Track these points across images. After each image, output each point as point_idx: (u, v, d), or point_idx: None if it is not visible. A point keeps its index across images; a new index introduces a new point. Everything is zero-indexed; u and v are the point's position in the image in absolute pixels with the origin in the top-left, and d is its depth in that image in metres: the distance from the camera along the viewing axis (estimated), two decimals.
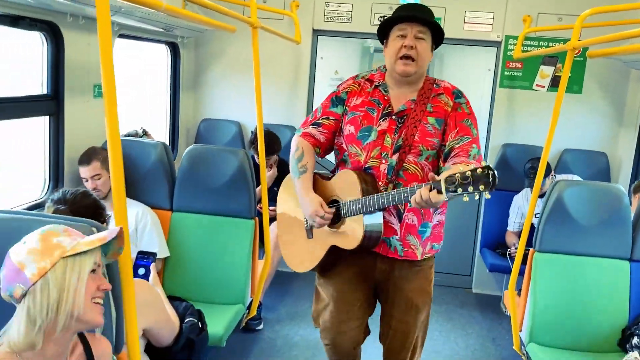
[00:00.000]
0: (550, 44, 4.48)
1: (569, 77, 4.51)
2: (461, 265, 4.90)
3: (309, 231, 2.39)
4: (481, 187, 1.79)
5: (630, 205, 3.17)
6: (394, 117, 2.27)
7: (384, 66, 2.37)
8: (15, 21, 2.63)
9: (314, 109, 2.37)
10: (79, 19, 3.00)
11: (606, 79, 4.53)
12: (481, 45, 4.67)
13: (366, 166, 2.27)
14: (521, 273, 3.15)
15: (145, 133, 3.86)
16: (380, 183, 2.23)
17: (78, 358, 1.49)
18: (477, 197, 1.84)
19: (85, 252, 1.38)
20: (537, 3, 4.48)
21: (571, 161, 4.51)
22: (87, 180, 2.97)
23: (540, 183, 3.05)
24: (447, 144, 2.23)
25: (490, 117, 4.69)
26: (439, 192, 1.86)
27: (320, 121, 2.39)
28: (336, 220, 2.25)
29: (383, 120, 2.28)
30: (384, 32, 2.32)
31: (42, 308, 1.33)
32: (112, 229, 1.47)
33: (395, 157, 2.24)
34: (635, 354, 1.70)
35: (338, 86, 2.43)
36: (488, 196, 1.84)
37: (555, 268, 2.98)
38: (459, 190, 1.81)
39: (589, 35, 3.11)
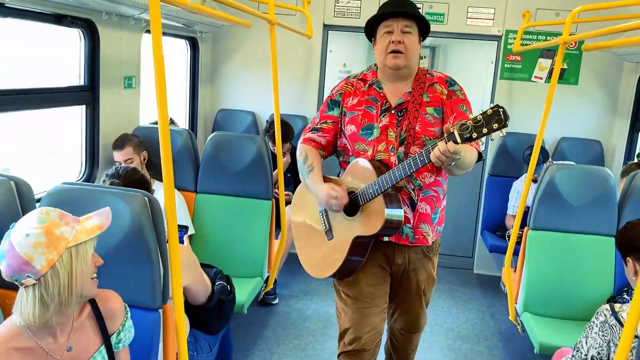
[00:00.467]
0: (548, 37, 4.73)
1: (566, 69, 4.83)
2: (463, 248, 5.18)
3: (329, 232, 2.39)
4: (495, 126, 1.84)
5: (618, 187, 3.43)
6: (393, 112, 2.32)
7: (375, 64, 2.43)
8: (59, 19, 2.92)
9: (323, 101, 2.49)
10: (112, 16, 3.29)
11: (601, 71, 4.78)
12: (483, 39, 4.93)
13: (376, 159, 2.31)
14: (517, 253, 3.44)
15: (172, 121, 4.15)
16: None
17: (87, 317, 1.68)
18: (492, 139, 1.83)
19: (86, 241, 1.54)
20: None
21: (567, 149, 4.77)
22: (120, 164, 3.26)
23: (534, 167, 3.32)
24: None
25: None
26: (455, 142, 1.90)
27: (319, 126, 2.44)
28: (354, 211, 2.28)
29: (383, 116, 2.32)
30: (371, 30, 2.37)
31: (53, 294, 1.50)
32: (106, 214, 1.61)
33: (401, 150, 2.28)
34: (606, 306, 1.96)
35: (332, 89, 2.48)
36: (503, 134, 1.90)
37: (548, 244, 3.26)
38: (474, 135, 1.87)
39: (586, 29, 3.38)
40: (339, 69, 5.18)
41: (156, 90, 1.83)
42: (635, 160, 3.95)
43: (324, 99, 2.48)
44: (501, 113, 1.83)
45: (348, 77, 2.46)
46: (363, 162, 2.27)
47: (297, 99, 5.08)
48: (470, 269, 5.19)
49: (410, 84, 2.34)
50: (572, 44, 4.73)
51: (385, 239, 2.34)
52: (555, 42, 3.27)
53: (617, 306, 1.96)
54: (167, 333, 1.97)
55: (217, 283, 2.45)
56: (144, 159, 3.38)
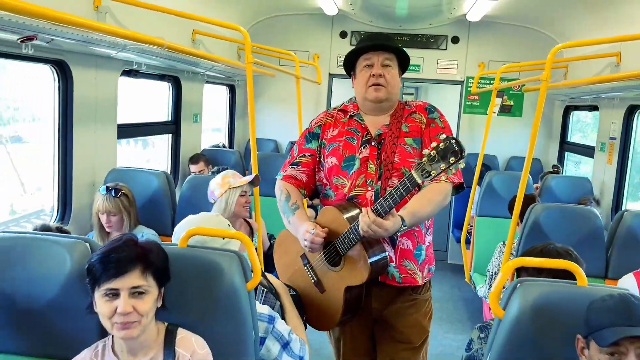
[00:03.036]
0: (500, 82, 6.32)
1: (513, 105, 6.41)
2: (439, 242, 6.66)
3: (319, 284, 2.25)
4: (452, 159, 1.77)
5: (535, 190, 4.89)
6: (373, 143, 2.24)
7: (354, 98, 2.38)
8: (161, 77, 4.47)
9: (301, 134, 2.43)
10: (189, 74, 4.84)
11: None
12: (450, 83, 6.54)
13: (349, 195, 2.22)
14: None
15: (224, 145, 5.68)
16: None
17: (242, 227, 3.28)
18: (452, 172, 1.88)
19: (238, 187, 3.16)
20: (488, 53, 6.35)
21: (515, 165, 6.30)
22: (195, 174, 4.75)
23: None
24: None
25: (457, 135, 6.52)
26: (416, 183, 1.87)
27: (297, 160, 2.34)
28: (338, 261, 2.16)
29: (364, 148, 2.24)
30: (350, 64, 2.31)
31: (223, 206, 3.11)
32: (250, 175, 3.26)
33: (380, 184, 2.20)
34: (500, 243, 3.48)
35: (311, 122, 2.40)
36: (462, 165, 1.80)
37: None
38: (432, 172, 1.81)
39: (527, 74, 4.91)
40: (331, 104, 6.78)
41: (250, 127, 3.34)
42: (551, 169, 5.49)
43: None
44: (454, 145, 1.77)
45: (327, 110, 2.42)
46: (331, 210, 2.18)
47: None
48: (445, 260, 6.66)
49: (389, 117, 2.29)
50: (516, 86, 6.32)
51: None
52: (489, 89, 4.84)
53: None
54: None
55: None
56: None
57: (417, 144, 2.23)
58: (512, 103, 6.43)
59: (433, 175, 1.81)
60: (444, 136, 1.80)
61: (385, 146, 2.22)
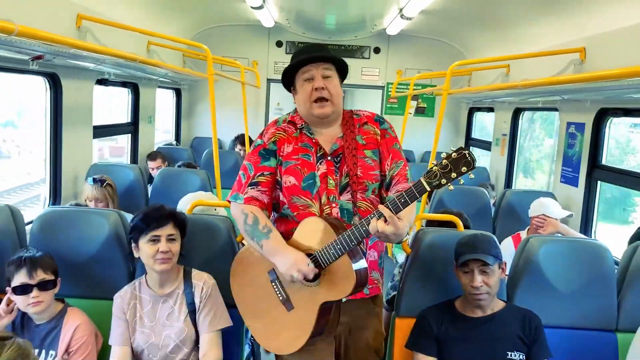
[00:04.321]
0: (415, 87, 7.30)
1: (426, 107, 7.42)
2: None
3: (287, 302, 2.11)
4: (464, 169, 1.76)
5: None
6: (329, 158, 2.18)
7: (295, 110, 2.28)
8: (124, 84, 5.06)
9: (252, 150, 2.26)
10: (146, 80, 5.45)
11: (448, 108, 7.36)
12: (373, 88, 7.48)
13: (324, 213, 2.15)
14: None
15: (175, 144, 6.30)
16: None
17: None
18: (461, 182, 1.80)
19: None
20: (405, 62, 7.33)
21: (428, 158, 7.27)
22: (153, 169, 5.35)
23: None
24: (387, 173, 2.19)
25: None
26: (424, 191, 1.81)
27: (256, 180, 2.19)
28: (316, 276, 2.02)
29: (320, 164, 2.18)
30: (288, 78, 2.22)
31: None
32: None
33: (343, 198, 2.15)
34: None
35: (261, 136, 2.26)
36: (472, 176, 1.79)
37: None
38: (442, 181, 1.78)
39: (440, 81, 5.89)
40: (274, 107, 7.57)
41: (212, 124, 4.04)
42: None
43: (249, 157, 2.24)
44: (467, 156, 1.75)
45: (277, 122, 2.27)
46: (317, 221, 2.05)
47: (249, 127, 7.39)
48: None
49: (340, 128, 2.24)
50: (429, 92, 7.34)
51: (343, 299, 2.11)
52: (402, 94, 5.77)
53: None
54: None
55: None
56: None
57: (376, 156, 2.22)
58: (425, 105, 7.45)
59: (443, 184, 1.80)
60: (456, 147, 1.79)
61: (347, 159, 2.18)
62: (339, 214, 2.13)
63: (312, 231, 2.05)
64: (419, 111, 7.46)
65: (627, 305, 2.46)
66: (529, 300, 2.41)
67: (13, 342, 1.60)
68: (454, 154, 1.77)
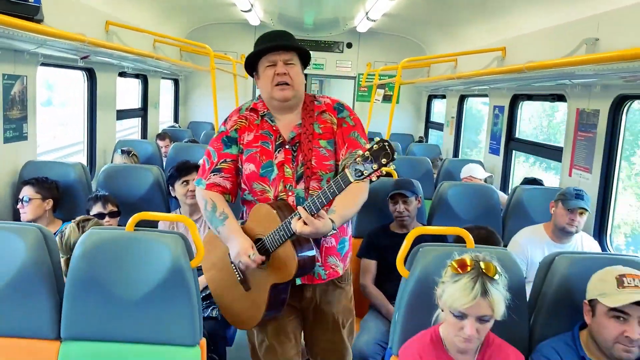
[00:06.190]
0: (381, 77, 8.43)
1: (391, 94, 8.55)
2: None
3: (244, 282, 2.24)
4: (384, 161, 1.79)
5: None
6: (287, 147, 2.23)
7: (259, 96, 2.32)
8: (136, 76, 6.11)
9: (215, 136, 2.33)
10: (154, 72, 6.48)
11: (412, 95, 8.58)
12: (346, 78, 8.62)
13: (279, 198, 2.23)
14: None
15: (178, 126, 7.37)
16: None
17: None
18: (384, 173, 1.85)
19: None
20: (374, 55, 8.46)
21: (394, 139, 8.41)
22: (162, 147, 6.40)
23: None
24: (340, 162, 2.21)
25: None
26: (348, 182, 1.85)
27: (219, 166, 2.27)
28: (266, 258, 2.11)
29: (278, 152, 2.22)
30: (252, 64, 2.25)
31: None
32: None
33: (299, 187, 2.20)
34: None
35: (225, 123, 2.32)
36: (392, 167, 1.64)
37: None
38: (365, 172, 1.81)
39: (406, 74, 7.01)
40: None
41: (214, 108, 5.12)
42: (418, 139, 7.68)
43: (212, 143, 2.32)
44: (387, 148, 1.79)
45: (240, 110, 2.33)
46: (265, 208, 2.15)
47: None
48: None
49: (299, 115, 2.27)
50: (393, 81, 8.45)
51: (298, 281, 2.23)
52: (374, 83, 6.88)
53: None
54: None
55: None
56: None
57: (330, 146, 2.24)
58: (391, 93, 8.57)
59: (365, 175, 1.82)
60: (378, 139, 1.82)
61: (303, 147, 2.21)
62: (295, 202, 2.19)
63: (262, 216, 2.15)
64: (386, 98, 8.58)
65: (511, 226, 3.64)
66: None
67: (94, 220, 2.69)
68: (375, 145, 1.81)
